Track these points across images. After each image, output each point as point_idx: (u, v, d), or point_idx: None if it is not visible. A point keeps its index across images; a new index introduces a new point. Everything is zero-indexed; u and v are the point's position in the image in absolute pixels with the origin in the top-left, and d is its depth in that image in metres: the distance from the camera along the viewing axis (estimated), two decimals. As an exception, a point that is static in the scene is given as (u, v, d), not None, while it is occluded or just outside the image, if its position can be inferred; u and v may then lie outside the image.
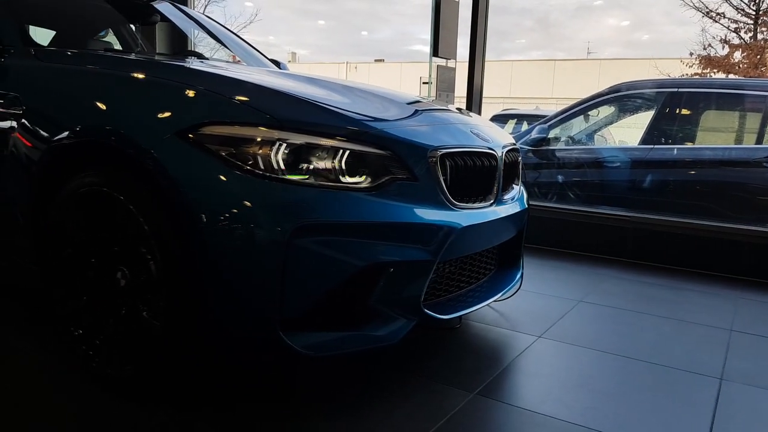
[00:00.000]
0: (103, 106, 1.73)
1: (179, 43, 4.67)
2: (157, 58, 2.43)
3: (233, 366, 1.91)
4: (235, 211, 1.49)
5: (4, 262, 2.08)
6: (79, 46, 2.69)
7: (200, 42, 4.86)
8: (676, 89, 4.82)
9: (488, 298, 2.06)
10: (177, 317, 1.55)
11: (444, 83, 3.77)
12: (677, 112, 4.78)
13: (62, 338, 1.82)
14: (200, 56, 3.12)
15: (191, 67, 1.98)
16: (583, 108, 4.87)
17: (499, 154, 2.05)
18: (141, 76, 1.81)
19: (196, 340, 1.60)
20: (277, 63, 3.31)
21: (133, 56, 2.27)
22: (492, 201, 1.99)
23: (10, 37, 2.13)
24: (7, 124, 1.90)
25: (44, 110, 1.84)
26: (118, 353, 1.68)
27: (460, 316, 1.98)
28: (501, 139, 2.16)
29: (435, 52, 3.68)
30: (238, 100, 1.63)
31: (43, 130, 1.81)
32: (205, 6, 16.25)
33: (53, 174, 1.80)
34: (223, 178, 1.50)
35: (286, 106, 1.68)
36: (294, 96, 1.74)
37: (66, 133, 1.74)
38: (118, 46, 3.29)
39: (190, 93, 1.66)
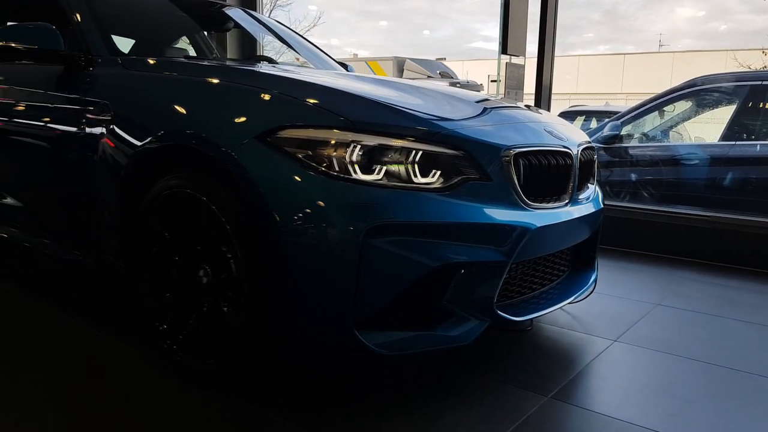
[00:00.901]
0: (186, 112, 1.81)
1: (249, 47, 4.82)
2: (233, 64, 2.52)
3: (311, 361, 1.96)
4: (311, 211, 1.52)
5: (90, 259, 2.21)
6: (156, 54, 2.81)
7: (266, 45, 4.99)
8: (759, 82, 4.56)
9: (562, 301, 2.01)
10: (256, 314, 1.61)
11: (513, 81, 3.71)
12: (761, 106, 4.51)
13: (148, 333, 1.91)
14: (271, 61, 3.21)
15: (268, 72, 2.03)
16: (658, 104, 4.68)
17: (575, 153, 2.00)
18: (221, 82, 1.88)
19: (274, 336, 1.65)
20: (344, 65, 3.35)
21: (211, 63, 2.36)
22: (567, 201, 1.95)
23: (98, 47, 2.26)
24: (97, 130, 2.02)
25: (131, 116, 1.94)
26: (201, 348, 1.75)
27: (532, 319, 1.95)
28: (576, 137, 2.10)
29: (504, 49, 3.63)
30: (314, 103, 1.67)
31: (130, 136, 1.91)
32: (270, 10, 16.67)
33: (140, 177, 1.90)
34: (300, 179, 1.54)
35: (360, 108, 1.70)
36: (367, 98, 1.76)
37: (151, 138, 1.83)
38: (192, 53, 3.43)
39: (269, 98, 1.71)
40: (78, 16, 2.37)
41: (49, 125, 2.24)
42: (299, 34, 3.51)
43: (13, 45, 2.22)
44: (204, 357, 1.74)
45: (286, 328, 1.63)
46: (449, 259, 1.58)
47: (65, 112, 2.18)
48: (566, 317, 2.47)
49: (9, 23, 2.95)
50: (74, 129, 2.11)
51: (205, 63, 2.36)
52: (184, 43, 3.51)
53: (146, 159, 1.87)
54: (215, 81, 1.90)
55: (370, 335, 1.57)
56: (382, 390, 1.81)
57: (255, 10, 5.04)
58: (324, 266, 1.53)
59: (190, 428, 1.56)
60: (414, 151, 1.60)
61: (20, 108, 2.43)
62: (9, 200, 2.57)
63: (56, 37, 2.23)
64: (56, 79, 2.28)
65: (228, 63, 2.59)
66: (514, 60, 3.74)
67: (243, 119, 1.68)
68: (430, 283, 1.59)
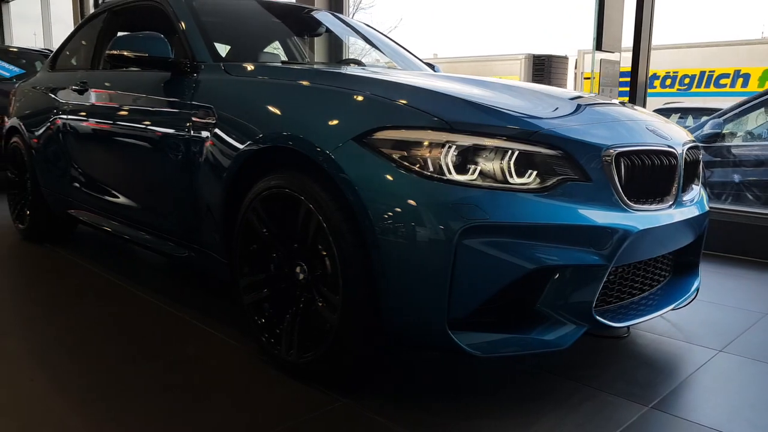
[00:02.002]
0: (285, 115, 1.88)
1: (336, 50, 4.92)
2: (328, 68, 2.58)
3: (405, 358, 1.98)
4: (406, 211, 1.54)
5: (193, 254, 2.34)
6: (251, 58, 2.93)
7: (352, 47, 5.07)
8: None
9: (663, 308, 1.92)
10: (351, 311, 1.65)
11: (608, 78, 3.57)
12: None
13: (248, 326, 2.00)
14: (359, 63, 3.26)
15: (363, 75, 2.07)
16: (765, 100, 4.35)
17: (679, 152, 1.90)
18: (318, 85, 1.93)
19: (368, 333, 1.68)
20: (431, 66, 3.36)
21: (307, 67, 2.43)
22: (670, 203, 1.85)
23: (202, 54, 2.39)
24: (202, 133, 2.14)
25: (233, 120, 2.04)
26: (297, 342, 1.81)
27: (629, 326, 1.87)
28: (680, 136, 2.00)
29: (598, 45, 3.50)
30: (408, 104, 1.68)
31: (233, 138, 2.00)
32: (353, 14, 16.95)
33: (242, 177, 1.99)
34: (395, 179, 1.56)
35: (454, 108, 1.70)
36: (460, 98, 1.76)
37: (253, 140, 1.92)
38: (284, 57, 3.54)
39: (365, 100, 1.74)
40: (183, 24, 2.52)
41: (157, 128, 2.39)
42: (386, 35, 3.54)
43: (125, 53, 2.38)
44: (300, 351, 1.80)
45: (380, 325, 1.66)
46: (546, 261, 1.55)
47: (172, 115, 2.32)
48: (665, 325, 2.35)
49: (120, 33, 3.18)
50: (181, 132, 2.24)
51: (302, 67, 2.44)
52: (269, 47, 3.65)
53: (248, 160, 1.95)
54: (313, 85, 1.96)
55: (463, 336, 1.56)
56: (473, 390, 1.80)
57: (342, 13, 5.14)
58: (418, 266, 1.54)
59: (288, 420, 1.62)
60: (510, 151, 1.58)
61: (130, 111, 2.61)
62: (118, 197, 2.77)
63: (165, 46, 2.37)
64: (164, 84, 2.43)
65: (322, 67, 2.66)
66: (609, 56, 3.60)
67: (341, 121, 1.73)
68: (525, 285, 1.56)
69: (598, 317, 1.66)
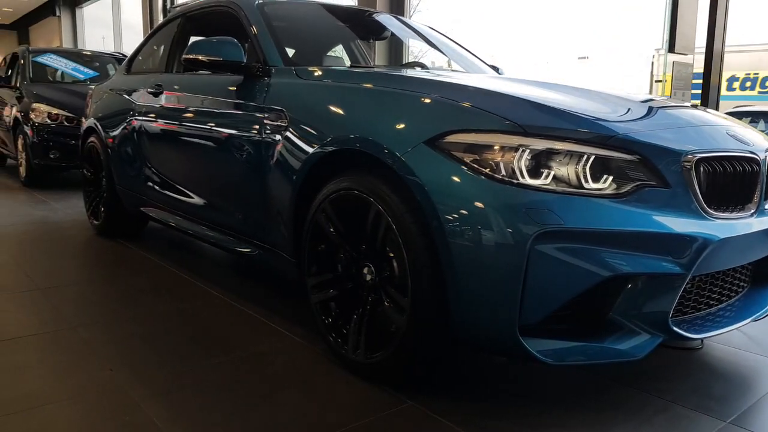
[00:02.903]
0: (356, 118, 1.91)
1: (397, 52, 4.96)
2: (395, 71, 2.60)
3: (472, 362, 1.98)
4: (478, 215, 1.53)
5: (261, 252, 2.41)
6: (316, 62, 2.98)
7: (413, 48, 5.08)
8: None
9: (741, 320, 1.84)
10: (419, 313, 1.66)
11: (680, 81, 3.46)
12: None
13: (315, 324, 2.04)
14: (423, 66, 3.27)
15: (433, 78, 2.08)
16: None
17: (762, 158, 1.82)
18: (388, 89, 1.96)
19: (437, 335, 1.69)
20: (495, 68, 3.34)
21: (375, 70, 2.45)
22: (752, 211, 1.78)
23: (274, 58, 2.45)
24: (274, 135, 2.20)
25: (305, 122, 2.08)
26: (364, 342, 1.84)
27: (706, 337, 1.81)
28: (762, 142, 1.92)
29: (671, 47, 3.39)
30: (480, 108, 1.68)
31: (304, 141, 2.05)
32: (411, 15, 16.95)
33: (312, 178, 2.03)
34: (467, 183, 1.56)
35: (527, 111, 1.68)
36: (533, 101, 1.74)
37: (324, 142, 1.96)
38: (347, 60, 3.59)
39: (436, 103, 1.75)
40: (255, 29, 2.59)
41: (229, 130, 2.47)
42: (448, 37, 3.54)
43: (200, 58, 2.47)
44: (367, 351, 1.82)
45: (449, 328, 1.66)
46: (621, 269, 1.51)
47: (245, 118, 2.39)
48: (741, 337, 2.25)
49: (193, 37, 3.30)
50: (253, 134, 2.31)
51: (370, 71, 2.46)
52: (333, 50, 3.70)
53: (318, 162, 1.99)
54: (382, 88, 1.98)
55: (534, 342, 1.55)
56: (541, 398, 1.78)
57: (403, 15, 5.17)
58: (490, 270, 1.53)
59: (355, 419, 1.64)
60: (585, 156, 1.55)
61: (203, 113, 2.70)
62: (190, 196, 2.87)
63: (238, 50, 2.45)
64: (236, 87, 2.51)
65: (390, 70, 2.68)
66: (682, 58, 3.48)
67: (412, 125, 1.74)
68: (600, 293, 1.54)
69: (674, 328, 1.62)
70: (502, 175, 1.55)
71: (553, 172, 1.55)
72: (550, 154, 1.56)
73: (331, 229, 1.95)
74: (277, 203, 2.21)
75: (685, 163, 1.61)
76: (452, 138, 1.63)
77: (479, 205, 1.54)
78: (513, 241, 1.49)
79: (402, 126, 1.76)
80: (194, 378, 1.86)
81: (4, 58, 7.55)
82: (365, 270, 1.87)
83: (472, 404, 1.72)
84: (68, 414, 1.64)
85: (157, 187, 3.16)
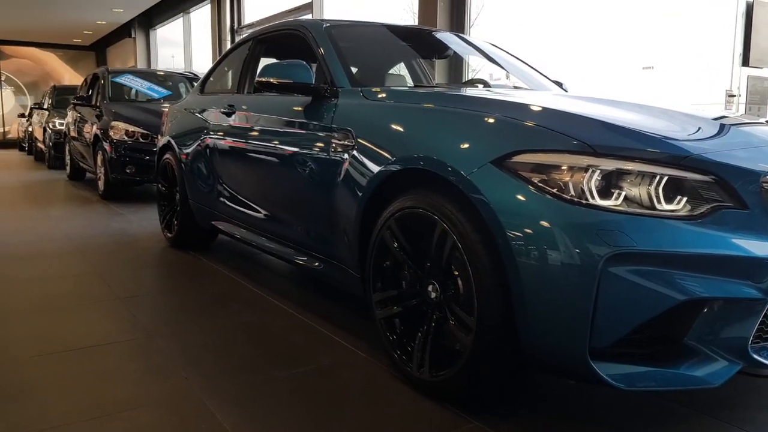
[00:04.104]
0: (421, 138, 1.95)
1: (457, 68, 4.99)
2: (459, 90, 2.63)
3: (536, 382, 1.96)
4: (547, 235, 1.53)
5: (325, 266, 2.47)
6: (378, 81, 3.03)
7: (474, 64, 5.10)
8: None
9: (828, 348, 1.74)
10: (485, 333, 1.66)
11: (756, 95, 3.32)
12: None
13: (379, 339, 2.08)
14: (486, 83, 3.28)
15: (497, 98, 2.09)
16: None
17: None
18: (454, 108, 1.98)
19: (503, 355, 1.69)
20: (559, 84, 3.31)
21: (439, 90, 2.49)
22: (839, 234, 1.69)
23: (341, 79, 2.53)
24: (341, 154, 2.26)
25: (372, 142, 2.14)
26: (429, 360, 1.85)
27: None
28: None
29: (745, 60, 3.26)
30: (548, 127, 1.68)
31: (371, 160, 2.10)
32: (469, 31, 16.91)
33: (377, 196, 2.08)
34: (535, 203, 1.57)
35: (595, 131, 1.67)
36: (602, 120, 1.73)
37: (389, 161, 2.00)
38: (408, 78, 3.64)
39: (502, 123, 1.77)
40: (323, 51, 2.68)
41: (298, 149, 2.56)
42: (511, 54, 3.53)
43: (271, 80, 2.58)
44: (431, 369, 1.84)
45: (516, 348, 1.66)
46: (697, 293, 1.47)
47: (313, 137, 2.47)
48: (827, 367, 2.13)
49: (263, 59, 3.44)
50: (321, 153, 2.38)
51: (435, 91, 2.50)
52: (395, 68, 3.76)
53: (384, 180, 2.04)
54: (447, 108, 2.01)
55: (604, 366, 1.52)
56: (611, 424, 1.75)
57: (463, 32, 5.20)
58: (559, 292, 1.52)
59: (421, 435, 1.66)
60: (658, 177, 1.53)
61: (273, 133, 2.81)
62: (259, 211, 2.98)
63: (308, 73, 2.55)
64: (305, 108, 2.60)
65: (453, 90, 2.72)
66: (758, 72, 3.34)
67: (478, 144, 1.76)
68: (674, 317, 1.50)
69: (754, 355, 1.55)
70: (571, 196, 1.54)
71: (624, 193, 1.53)
72: (621, 174, 1.54)
73: (396, 247, 1.99)
74: (343, 220, 2.27)
75: (765, 184, 1.56)
76: (519, 158, 1.63)
77: (548, 225, 1.54)
78: (583, 263, 1.48)
79: (468, 146, 1.78)
80: (265, 389, 1.93)
81: (85, 79, 8.05)
82: (430, 287, 1.89)
83: (536, 426, 1.71)
84: (150, 420, 1.73)
85: (227, 202, 3.29)
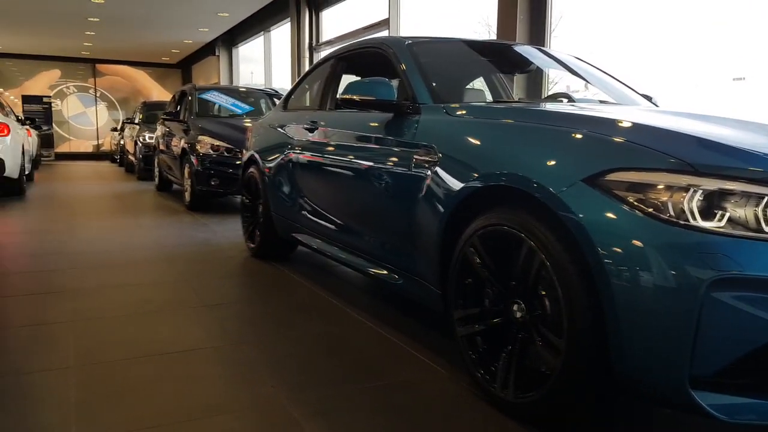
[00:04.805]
0: (507, 155, 1.93)
1: (536, 81, 4.91)
2: (543, 106, 2.58)
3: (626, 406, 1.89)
4: (645, 258, 1.47)
5: (403, 281, 2.48)
6: (457, 96, 3.02)
7: (556, 78, 5.00)
8: None
9: None
10: (575, 356, 1.62)
11: None
12: None
13: (460, 357, 2.06)
14: (569, 97, 3.21)
15: (583, 113, 2.05)
16: None
17: None
18: (540, 125, 1.96)
19: (594, 379, 1.64)
20: (648, 98, 3.19)
21: (524, 105, 2.46)
22: None
23: (423, 96, 2.55)
24: (423, 170, 2.27)
25: (455, 159, 2.14)
26: (514, 381, 1.82)
27: None
28: None
29: None
30: (643, 145, 1.62)
31: (454, 176, 2.10)
32: (549, 43, 16.59)
33: (460, 213, 2.07)
34: (632, 224, 1.51)
35: (694, 148, 1.60)
36: (698, 136, 1.65)
37: (474, 178, 2.00)
38: (487, 93, 3.62)
39: (593, 140, 1.73)
40: (405, 68, 2.71)
41: (379, 164, 2.59)
42: (597, 67, 3.44)
43: (354, 97, 2.64)
44: (516, 390, 1.81)
45: (608, 373, 1.60)
46: (811, 322, 1.38)
47: (394, 153, 2.50)
48: None
49: (345, 76, 3.52)
50: (402, 168, 2.41)
51: (520, 107, 2.47)
52: (474, 83, 3.74)
53: (468, 197, 2.03)
54: (534, 124, 1.99)
55: (705, 395, 1.44)
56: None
57: (543, 44, 5.11)
58: (657, 317, 1.46)
59: (506, 457, 1.63)
60: (766, 198, 1.44)
61: (355, 148, 2.87)
62: (340, 225, 3.04)
63: (390, 90, 2.59)
64: (386, 124, 2.64)
65: (538, 105, 2.68)
66: None
67: (569, 162, 1.72)
68: (784, 347, 1.40)
69: None
70: (669, 216, 1.48)
71: (728, 214, 1.45)
72: (724, 194, 1.47)
73: (480, 264, 1.97)
74: (424, 235, 2.28)
75: None
76: (613, 176, 1.59)
77: (645, 246, 1.48)
78: (684, 287, 1.42)
79: (557, 163, 1.75)
80: (348, 401, 1.95)
81: (174, 96, 8.51)
82: (515, 307, 1.86)
83: (629, 455, 1.64)
84: (240, 426, 1.80)
85: (308, 215, 3.38)
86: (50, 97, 18.22)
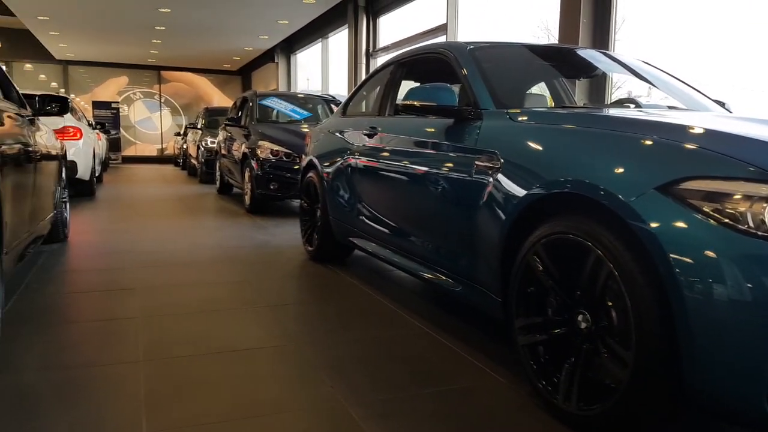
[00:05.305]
0: (575, 162, 1.90)
1: (599, 86, 4.80)
2: (610, 111, 2.53)
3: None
4: (722, 270, 1.42)
5: (462, 287, 2.47)
6: (518, 102, 2.98)
7: (622, 83, 4.88)
8: None
9: None
10: (644, 369, 1.57)
11: None
12: None
13: (520, 366, 2.04)
14: (636, 103, 3.12)
15: (655, 119, 1.99)
16: None
17: None
18: (609, 131, 1.91)
19: (663, 393, 1.59)
20: (721, 104, 3.07)
21: (590, 111, 2.41)
22: None
23: (486, 101, 2.54)
24: (485, 176, 2.26)
25: (518, 165, 2.12)
26: (577, 393, 1.78)
27: None
28: None
29: None
30: (718, 152, 1.57)
31: (517, 183, 2.08)
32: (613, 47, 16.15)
33: (523, 220, 2.05)
34: (707, 234, 1.46)
35: (775, 157, 1.53)
36: (781, 145, 1.58)
37: (538, 185, 1.97)
38: (548, 97, 3.56)
39: (666, 147, 1.68)
40: (467, 74, 2.71)
41: (439, 170, 2.59)
42: (666, 72, 3.33)
43: (414, 103, 2.66)
44: (580, 402, 1.77)
45: (678, 387, 1.55)
46: None
47: (455, 159, 2.50)
48: None
49: (404, 82, 3.54)
50: (463, 174, 2.40)
51: (586, 112, 2.43)
52: (535, 88, 3.68)
53: (532, 204, 2.01)
54: (601, 130, 1.95)
55: (786, 415, 1.38)
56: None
57: (607, 48, 5.00)
58: (733, 331, 1.41)
59: (570, 469, 1.60)
60: None
61: (414, 154, 2.88)
62: (399, 231, 3.06)
63: (452, 95, 2.59)
64: (447, 130, 2.64)
65: (604, 111, 2.62)
66: None
67: (639, 169, 1.68)
68: None
69: None
70: (749, 227, 1.42)
71: (812, 226, 1.38)
72: (808, 205, 1.40)
73: (543, 273, 1.94)
74: (484, 242, 2.26)
75: None
76: (688, 185, 1.54)
77: (721, 257, 1.43)
78: (762, 300, 1.36)
79: (627, 170, 1.71)
80: (407, 405, 1.96)
81: (235, 102, 8.77)
82: (579, 317, 1.82)
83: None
84: (303, 425, 1.83)
85: (366, 220, 3.41)
86: (118, 102, 19.08)
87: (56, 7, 11.22)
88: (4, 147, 2.56)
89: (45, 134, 3.93)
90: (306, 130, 6.21)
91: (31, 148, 3.21)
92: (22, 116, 3.33)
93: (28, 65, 18.14)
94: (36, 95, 3.86)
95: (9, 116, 2.93)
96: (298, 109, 7.64)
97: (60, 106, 3.95)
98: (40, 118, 3.90)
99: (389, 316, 2.96)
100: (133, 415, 1.86)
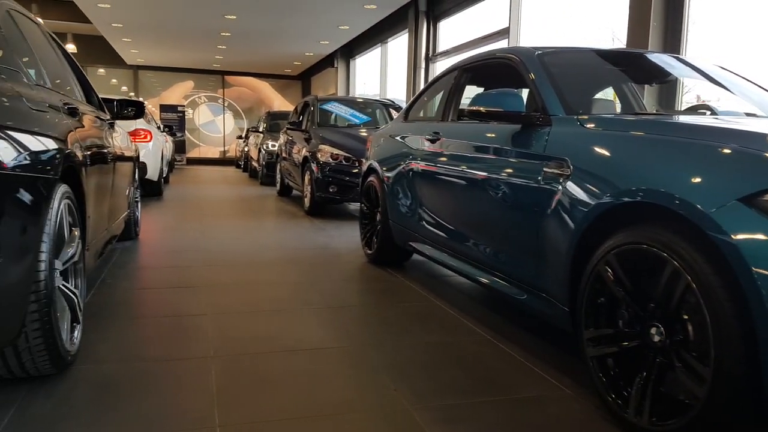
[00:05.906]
0: (649, 170, 1.84)
1: (669, 91, 4.64)
2: (686, 118, 2.45)
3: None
4: (811, 286, 1.36)
5: (527, 296, 2.44)
6: (589, 108, 2.92)
7: (693, 88, 4.69)
8: None
9: None
10: (723, 385, 1.52)
11: None
12: None
13: (589, 378, 2.00)
14: (711, 109, 3.01)
15: (735, 127, 1.91)
16: None
17: None
18: (683, 138, 1.86)
19: (744, 410, 1.53)
20: (805, 110, 2.91)
21: (667, 118, 2.34)
22: None
23: (555, 107, 2.50)
24: (553, 184, 2.23)
25: (590, 172, 2.08)
26: (651, 407, 1.73)
27: None
28: None
29: None
30: (809, 163, 1.50)
31: (588, 191, 2.04)
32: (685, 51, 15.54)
33: (594, 228, 2.01)
34: (796, 248, 1.40)
35: None
36: None
37: (611, 194, 1.93)
38: (617, 103, 3.47)
39: (749, 156, 1.62)
40: (535, 79, 2.68)
41: (505, 177, 2.58)
42: (743, 77, 3.19)
43: (480, 109, 2.65)
44: (652, 417, 1.72)
45: (759, 404, 1.49)
46: None
47: (522, 166, 2.48)
48: None
49: (468, 87, 3.53)
50: (530, 181, 2.37)
51: (662, 119, 2.36)
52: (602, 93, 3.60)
53: (603, 213, 1.97)
54: (676, 138, 1.89)
55: None
56: None
57: (678, 52, 4.83)
58: (823, 350, 1.34)
59: (642, 487, 1.56)
60: None
61: (478, 160, 2.87)
62: (461, 237, 3.05)
63: (520, 101, 2.57)
64: (513, 136, 2.62)
65: (679, 117, 2.54)
66: None
67: (719, 179, 1.63)
68: None
69: None
70: (842, 242, 1.35)
71: None
72: None
73: (615, 283, 1.90)
74: (552, 251, 2.23)
75: None
76: (773, 196, 1.47)
77: (811, 274, 1.36)
78: None
79: (706, 180, 1.65)
80: (472, 412, 1.96)
81: (296, 107, 8.95)
82: (653, 330, 1.77)
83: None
84: (368, 426, 1.86)
85: (427, 225, 3.42)
86: (184, 106, 19.81)
87: (130, 15, 11.79)
88: (88, 149, 2.71)
89: (121, 136, 4.13)
90: (365, 134, 6.27)
91: (110, 150, 3.38)
92: (102, 120, 3.52)
93: (101, 70, 19.08)
94: (114, 100, 4.06)
95: (91, 120, 3.10)
96: (358, 114, 7.73)
97: (136, 110, 4.15)
98: (117, 121, 4.11)
99: (450, 321, 2.96)
100: (206, 408, 1.93)
